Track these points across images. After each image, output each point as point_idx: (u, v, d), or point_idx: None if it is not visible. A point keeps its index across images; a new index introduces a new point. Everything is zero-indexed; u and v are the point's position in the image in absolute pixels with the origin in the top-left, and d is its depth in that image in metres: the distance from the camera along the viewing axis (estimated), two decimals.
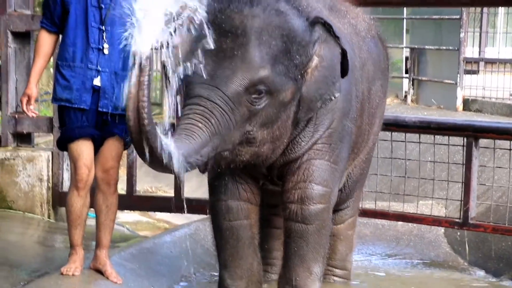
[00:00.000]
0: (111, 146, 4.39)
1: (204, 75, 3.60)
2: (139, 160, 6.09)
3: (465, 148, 5.55)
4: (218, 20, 3.65)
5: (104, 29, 4.27)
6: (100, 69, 4.29)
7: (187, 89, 3.67)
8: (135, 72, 3.26)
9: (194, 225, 5.91)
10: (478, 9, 11.47)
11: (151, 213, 7.42)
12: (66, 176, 6.25)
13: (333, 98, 3.95)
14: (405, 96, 12.12)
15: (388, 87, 4.90)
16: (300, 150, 4.04)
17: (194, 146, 3.52)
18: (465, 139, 5.55)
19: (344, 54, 3.90)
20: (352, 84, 4.16)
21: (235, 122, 3.67)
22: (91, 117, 4.32)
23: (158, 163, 3.41)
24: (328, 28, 3.87)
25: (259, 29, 3.66)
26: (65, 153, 5.84)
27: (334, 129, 4.09)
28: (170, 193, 6.34)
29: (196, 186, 6.35)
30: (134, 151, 5.86)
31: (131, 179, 6.13)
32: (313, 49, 3.83)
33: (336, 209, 4.59)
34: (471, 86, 10.83)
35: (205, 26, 3.57)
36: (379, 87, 4.61)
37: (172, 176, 6.04)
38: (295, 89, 3.80)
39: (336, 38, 3.89)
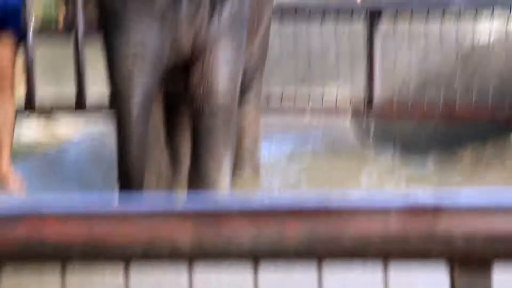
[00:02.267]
0: (2, 43, 4.15)
1: None
2: (37, 63, 5.75)
3: (366, 26, 5.56)
4: None
5: None
6: None
7: None
8: None
9: (98, 134, 5.79)
10: None
11: (52, 126, 7.22)
12: None
13: None
14: None
15: None
16: (204, 35, 3.95)
17: None
18: (366, 17, 5.57)
19: None
20: None
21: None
22: None
23: None
24: None
25: None
26: None
27: (236, 12, 4.03)
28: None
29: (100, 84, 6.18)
30: (30, 51, 5.51)
31: (30, 82, 5.66)
32: None
33: (239, 101, 4.54)
34: None
35: None
36: None
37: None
38: None
39: None
